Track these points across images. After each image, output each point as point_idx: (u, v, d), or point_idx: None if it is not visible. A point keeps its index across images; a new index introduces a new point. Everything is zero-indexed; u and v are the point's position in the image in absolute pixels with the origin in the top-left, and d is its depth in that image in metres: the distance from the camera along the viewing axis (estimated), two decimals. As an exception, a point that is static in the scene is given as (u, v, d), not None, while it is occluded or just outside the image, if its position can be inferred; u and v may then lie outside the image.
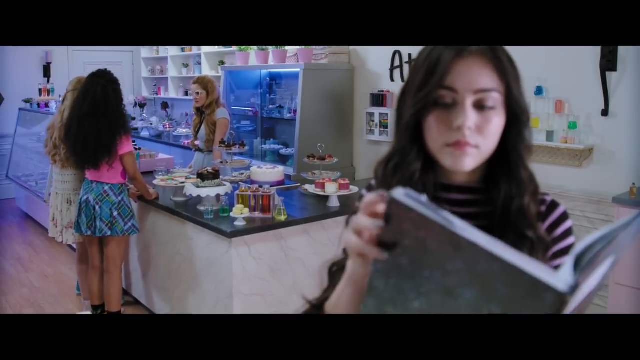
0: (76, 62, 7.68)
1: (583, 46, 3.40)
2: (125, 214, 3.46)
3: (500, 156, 0.88)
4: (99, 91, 3.34)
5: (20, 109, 6.92)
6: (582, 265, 0.59)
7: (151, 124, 7.36)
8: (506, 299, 0.60)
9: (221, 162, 3.86)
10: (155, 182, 3.66)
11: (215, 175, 3.37)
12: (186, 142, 6.16)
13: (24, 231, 6.12)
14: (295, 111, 5.00)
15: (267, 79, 5.71)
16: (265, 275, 3.06)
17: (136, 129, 7.20)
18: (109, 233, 3.42)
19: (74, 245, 3.89)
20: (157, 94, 8.31)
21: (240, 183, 3.59)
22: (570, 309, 0.58)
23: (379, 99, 4.85)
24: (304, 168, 4.12)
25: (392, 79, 4.82)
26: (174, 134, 6.81)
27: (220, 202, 3.23)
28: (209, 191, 3.27)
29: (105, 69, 3.48)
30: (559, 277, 0.57)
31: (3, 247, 5.53)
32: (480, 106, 0.83)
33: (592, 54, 3.41)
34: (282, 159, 5.34)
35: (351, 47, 5.17)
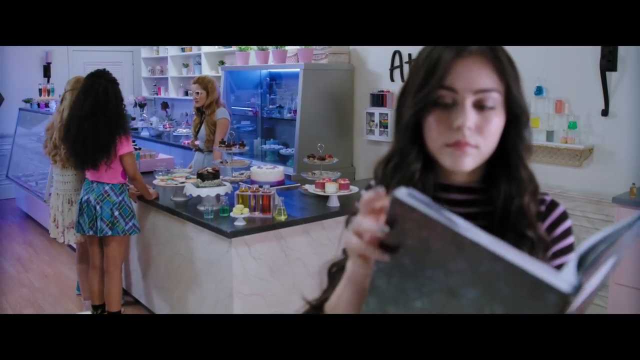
0: (76, 62, 7.68)
1: (583, 46, 3.40)
2: (126, 213, 3.46)
3: (500, 156, 0.88)
4: (101, 91, 3.34)
5: (20, 109, 6.92)
6: (586, 265, 0.59)
7: (151, 124, 7.36)
8: (509, 299, 0.59)
9: (221, 162, 3.86)
10: (155, 182, 3.66)
11: (215, 175, 3.37)
12: (186, 142, 6.16)
13: (24, 231, 6.12)
14: (295, 111, 5.00)
15: (267, 79, 5.71)
16: (265, 275, 3.06)
17: (136, 129, 7.20)
18: (109, 233, 3.42)
19: (74, 245, 3.89)
20: (157, 94, 8.31)
21: (240, 183, 3.60)
22: (572, 309, 0.58)
23: (379, 99, 4.85)
24: (304, 168, 4.12)
25: (392, 79, 4.82)
26: (174, 134, 6.81)
27: (220, 202, 3.23)
28: (209, 191, 3.27)
29: (104, 69, 3.48)
30: (562, 278, 0.57)
31: (3, 247, 5.53)
32: (480, 106, 0.83)
33: (592, 54, 3.41)
34: (282, 159, 5.34)
35: (351, 47, 5.17)
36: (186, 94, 7.54)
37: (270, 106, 5.60)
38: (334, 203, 3.35)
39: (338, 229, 0.98)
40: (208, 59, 7.13)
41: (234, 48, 6.15)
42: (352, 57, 5.17)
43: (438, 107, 0.84)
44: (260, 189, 3.19)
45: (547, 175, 3.57)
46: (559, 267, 0.89)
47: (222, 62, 6.76)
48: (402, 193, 0.63)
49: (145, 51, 8.33)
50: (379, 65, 4.92)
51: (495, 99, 0.84)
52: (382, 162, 0.92)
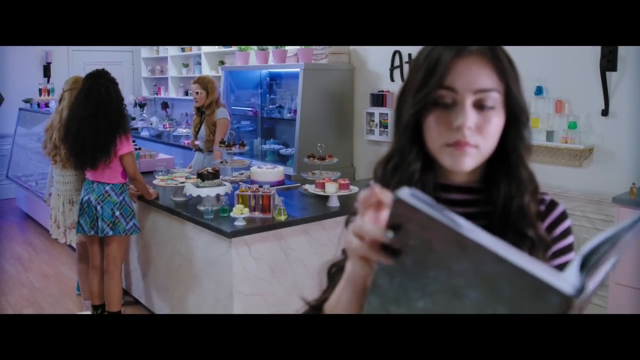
0: (76, 62, 7.68)
1: (583, 46, 3.40)
2: (127, 213, 3.46)
3: (500, 156, 0.88)
4: (103, 92, 3.34)
5: (20, 109, 6.92)
6: (588, 267, 0.59)
7: (151, 124, 7.36)
8: (511, 300, 0.59)
9: (221, 162, 3.86)
10: (155, 182, 3.66)
11: (215, 175, 3.37)
12: (186, 142, 6.16)
13: (24, 231, 6.12)
14: (295, 111, 5.00)
15: (267, 79, 5.71)
16: (265, 275, 3.06)
17: (136, 129, 7.20)
18: (110, 233, 3.42)
19: (74, 245, 3.89)
20: (157, 94, 8.31)
21: (240, 183, 3.60)
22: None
23: (379, 99, 4.85)
24: (304, 168, 4.12)
25: (392, 79, 4.82)
26: (174, 134, 6.81)
27: (220, 202, 3.23)
28: (209, 191, 3.27)
29: (103, 69, 3.48)
30: (565, 280, 0.57)
31: (3, 247, 5.53)
32: (480, 106, 0.83)
33: (592, 54, 3.41)
34: (282, 159, 5.34)
35: (351, 47, 5.17)
36: (186, 94, 7.55)
37: (270, 106, 5.60)
38: (334, 203, 3.35)
39: (338, 229, 0.98)
40: (208, 59, 7.13)
41: (234, 48, 6.15)
42: (352, 57, 5.17)
43: (438, 107, 0.84)
44: (260, 189, 3.19)
45: (547, 175, 3.57)
46: (558, 266, 0.89)
47: (222, 62, 6.76)
48: (405, 193, 0.63)
49: (145, 51, 8.33)
50: (379, 65, 4.92)
51: (495, 98, 0.84)
52: (381, 162, 0.92)
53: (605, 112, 3.42)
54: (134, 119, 7.26)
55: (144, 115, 7.70)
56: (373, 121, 4.90)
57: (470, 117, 0.82)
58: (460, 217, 0.61)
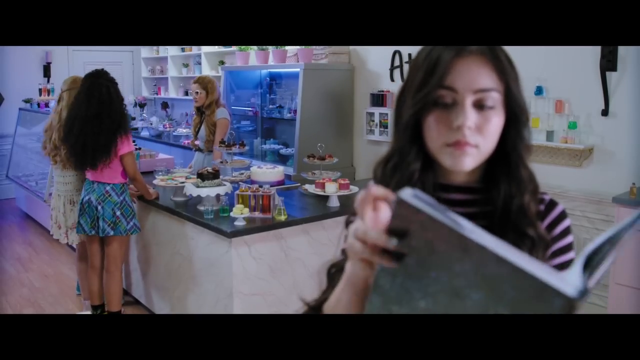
0: (76, 62, 7.68)
1: (583, 46, 3.40)
2: (128, 213, 3.47)
3: (500, 156, 0.88)
4: (104, 92, 3.34)
5: (20, 109, 6.92)
6: (591, 268, 0.59)
7: (151, 124, 7.36)
8: (514, 302, 0.59)
9: (221, 162, 3.86)
10: (155, 182, 3.66)
11: (215, 175, 3.37)
12: (186, 142, 6.16)
13: (24, 231, 6.12)
14: (295, 111, 5.00)
15: (267, 79, 5.71)
16: (265, 275, 3.06)
17: (136, 129, 7.21)
18: (112, 233, 3.42)
19: (74, 245, 3.89)
20: (157, 94, 8.31)
21: (240, 183, 3.60)
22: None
23: (379, 99, 4.85)
24: (304, 168, 4.12)
25: (392, 79, 4.82)
26: (174, 134, 6.82)
27: (220, 202, 3.23)
28: (209, 191, 3.27)
29: (103, 69, 3.48)
30: (569, 282, 0.57)
31: (3, 247, 5.53)
32: (479, 106, 0.83)
33: (592, 54, 3.41)
34: (282, 159, 5.34)
35: (351, 47, 5.17)
36: (186, 93, 7.55)
37: (270, 106, 5.60)
38: (334, 203, 3.35)
39: (338, 229, 0.98)
40: (208, 59, 7.14)
41: (234, 48, 6.15)
42: (352, 57, 5.17)
43: (438, 106, 0.84)
44: (260, 188, 3.19)
45: (547, 175, 3.57)
46: (558, 265, 0.90)
47: (222, 62, 6.76)
48: (407, 194, 0.62)
49: (145, 51, 8.33)
50: (379, 65, 4.92)
51: (495, 98, 0.84)
52: (381, 162, 0.92)
53: (605, 112, 3.42)
54: (134, 119, 7.26)
55: (144, 115, 7.70)
56: (373, 121, 4.90)
57: (470, 117, 0.82)
58: (462, 218, 0.61)
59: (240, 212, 2.98)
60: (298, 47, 5.00)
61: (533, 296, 0.58)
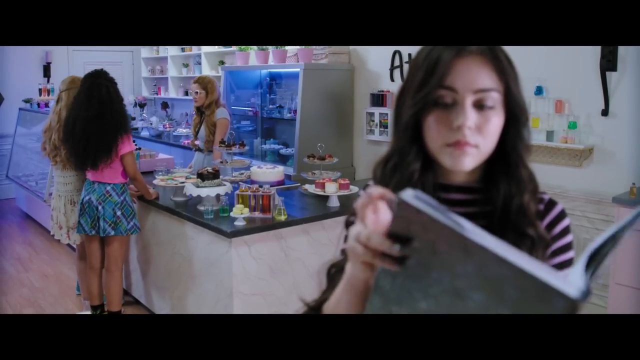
0: (76, 62, 7.68)
1: (583, 46, 3.40)
2: (128, 213, 3.47)
3: (500, 155, 0.88)
4: (104, 92, 3.34)
5: (20, 109, 6.92)
6: (593, 268, 0.59)
7: (151, 124, 7.36)
8: (516, 303, 0.59)
9: (221, 162, 3.86)
10: (155, 182, 3.66)
11: (215, 175, 3.37)
12: (186, 142, 6.16)
13: (24, 231, 6.12)
14: (295, 111, 5.00)
15: (267, 79, 5.71)
16: (265, 275, 3.06)
17: (136, 129, 7.21)
18: (112, 233, 3.43)
19: (75, 245, 3.89)
20: (157, 94, 8.31)
21: (240, 183, 3.60)
22: None
23: (379, 99, 4.85)
24: (304, 168, 4.12)
25: (392, 79, 4.82)
26: (174, 134, 6.82)
27: (220, 202, 3.23)
28: (209, 191, 3.27)
29: (102, 69, 3.48)
30: (571, 283, 0.56)
31: (3, 247, 5.53)
32: (479, 106, 0.83)
33: (592, 54, 3.41)
34: (282, 159, 5.34)
35: (351, 47, 5.17)
36: (186, 93, 7.55)
37: (270, 106, 5.60)
38: (334, 203, 3.35)
39: (338, 228, 0.98)
40: (208, 59, 7.14)
41: (234, 48, 6.15)
42: (352, 57, 5.17)
43: (438, 106, 0.84)
44: (260, 188, 3.19)
45: (547, 175, 3.57)
46: (558, 264, 0.90)
47: (222, 62, 6.76)
48: (409, 195, 0.62)
49: (145, 51, 8.33)
50: (379, 65, 4.92)
51: (494, 98, 0.84)
52: (381, 162, 0.92)
53: (605, 112, 3.42)
54: (134, 119, 7.26)
55: (144, 115, 7.70)
56: (373, 121, 4.90)
57: (471, 117, 0.82)
58: (464, 219, 0.61)
59: (240, 212, 2.98)
60: (298, 47, 5.00)
61: (535, 297, 0.57)
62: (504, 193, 0.88)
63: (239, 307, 2.97)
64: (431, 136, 0.85)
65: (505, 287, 0.59)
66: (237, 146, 3.78)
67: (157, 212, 3.63)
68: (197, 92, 4.31)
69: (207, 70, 7.01)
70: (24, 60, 7.33)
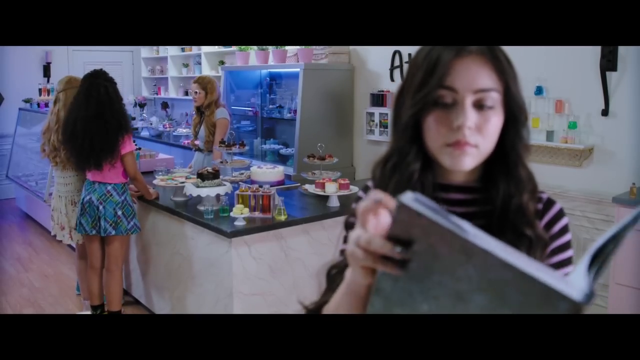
0: (76, 62, 7.68)
1: (583, 46, 3.40)
2: (129, 213, 3.47)
3: (499, 155, 0.88)
4: (103, 92, 3.34)
5: (20, 109, 6.92)
6: (595, 270, 0.59)
7: (151, 124, 7.36)
8: (518, 306, 0.59)
9: (221, 162, 3.86)
10: (155, 182, 3.66)
11: (215, 175, 3.37)
12: (186, 142, 6.16)
13: (24, 231, 6.12)
14: (295, 111, 5.00)
15: (267, 79, 5.71)
16: (265, 275, 3.06)
17: (136, 129, 7.21)
18: (113, 232, 3.43)
19: (74, 245, 3.89)
20: (157, 94, 8.31)
21: (240, 183, 3.60)
22: None
23: (379, 99, 4.86)
24: (304, 168, 4.12)
25: (392, 79, 4.82)
26: (174, 134, 6.82)
27: (220, 202, 3.23)
28: (209, 191, 3.27)
29: (101, 69, 3.48)
30: (574, 286, 0.56)
31: (3, 247, 5.53)
32: (479, 106, 0.83)
33: (592, 54, 3.41)
34: (282, 159, 5.34)
35: (351, 47, 5.17)
36: (186, 93, 7.55)
37: (270, 106, 5.60)
38: (334, 203, 3.35)
39: (338, 228, 0.98)
40: (208, 59, 7.14)
41: (234, 48, 6.15)
42: (352, 57, 5.17)
43: (438, 107, 0.84)
44: (260, 188, 3.19)
45: (547, 175, 3.57)
46: (557, 263, 0.90)
47: (222, 62, 6.76)
48: (409, 198, 0.61)
49: (145, 51, 8.33)
50: (379, 65, 4.92)
51: (494, 98, 0.84)
52: (380, 162, 0.92)
53: (605, 112, 3.42)
54: (134, 119, 7.27)
55: (144, 115, 7.70)
56: (373, 121, 4.90)
57: (471, 117, 0.82)
58: (465, 222, 0.60)
59: (240, 212, 2.98)
60: (298, 47, 5.00)
61: (538, 300, 0.57)
62: (503, 193, 0.88)
63: (239, 307, 2.97)
64: (431, 136, 0.85)
65: (508, 290, 0.59)
66: (237, 146, 3.78)
67: (157, 212, 3.63)
68: (196, 92, 4.31)
69: (207, 70, 7.01)
70: (24, 60, 7.33)
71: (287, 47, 5.16)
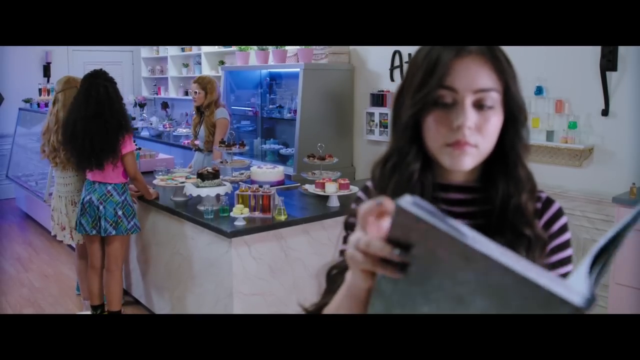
0: (76, 62, 7.68)
1: (583, 46, 3.40)
2: (129, 213, 3.47)
3: (498, 155, 0.88)
4: (102, 92, 3.34)
5: (20, 109, 6.92)
6: (596, 273, 0.59)
7: (151, 124, 7.36)
8: (519, 310, 0.58)
9: (221, 162, 3.86)
10: (155, 182, 3.66)
11: (215, 175, 3.37)
12: (186, 142, 6.16)
13: (24, 231, 6.12)
14: (295, 111, 5.00)
15: (267, 78, 5.71)
16: (265, 275, 3.06)
17: (136, 129, 7.21)
18: (113, 232, 3.43)
19: (74, 245, 3.89)
20: (157, 93, 8.31)
21: (240, 183, 3.60)
22: None
23: (379, 99, 4.86)
24: (304, 168, 4.12)
25: (392, 79, 4.82)
26: (174, 134, 6.82)
27: (220, 202, 3.23)
28: (209, 191, 3.27)
29: (101, 69, 3.48)
30: (575, 291, 0.56)
31: (3, 247, 5.53)
32: (479, 105, 0.83)
33: (592, 54, 3.41)
34: (282, 159, 5.34)
35: (351, 47, 5.17)
36: (186, 93, 7.55)
37: (270, 106, 5.60)
38: (334, 203, 3.35)
39: (338, 228, 0.98)
40: (208, 59, 7.13)
41: (234, 48, 6.15)
42: (352, 57, 5.17)
43: (437, 106, 0.84)
44: (260, 188, 3.19)
45: (547, 175, 3.57)
46: (557, 262, 0.91)
47: (222, 62, 6.76)
48: (407, 202, 0.61)
49: (145, 51, 8.33)
50: (379, 65, 4.92)
51: (494, 98, 0.84)
52: (379, 162, 0.92)
53: (605, 112, 3.42)
54: (134, 119, 7.26)
55: (144, 115, 7.70)
56: (373, 121, 4.90)
57: (470, 116, 0.82)
58: (464, 227, 0.60)
59: (240, 212, 2.98)
60: (298, 47, 5.00)
61: (539, 305, 0.57)
62: (502, 192, 0.88)
63: (239, 307, 2.97)
64: (431, 136, 0.85)
65: (509, 295, 0.58)
66: (237, 146, 3.78)
67: (157, 212, 3.63)
68: (196, 92, 4.31)
69: (207, 70, 7.01)
70: (24, 60, 7.33)
71: (287, 47, 5.16)
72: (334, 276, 0.90)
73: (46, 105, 6.84)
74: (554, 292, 0.56)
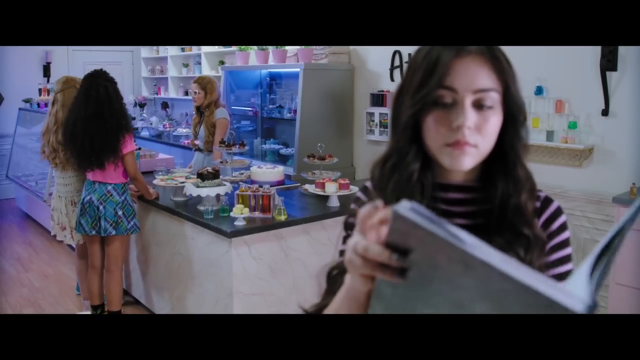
0: (76, 62, 7.69)
1: (583, 46, 3.40)
2: (129, 212, 3.47)
3: (498, 155, 0.88)
4: (102, 92, 3.34)
5: (20, 109, 6.92)
6: (596, 278, 0.58)
7: (151, 124, 7.36)
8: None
9: (221, 162, 3.86)
10: (155, 182, 3.66)
11: (215, 175, 3.37)
12: (186, 142, 6.17)
13: (24, 231, 6.12)
14: (295, 111, 5.00)
15: (267, 78, 5.71)
16: (265, 275, 3.06)
17: (136, 129, 7.21)
18: (113, 232, 3.43)
19: (74, 245, 3.89)
20: (157, 93, 8.31)
21: (240, 183, 3.60)
22: None
23: (379, 99, 4.86)
24: (304, 168, 4.12)
25: (392, 79, 4.82)
26: (174, 134, 6.82)
27: (220, 202, 3.23)
28: (209, 191, 3.27)
29: (101, 69, 3.48)
30: (576, 297, 0.56)
31: (3, 247, 5.53)
32: (479, 105, 0.84)
33: (592, 54, 3.41)
34: (282, 159, 5.35)
35: (351, 47, 5.17)
36: (186, 93, 7.55)
37: (270, 106, 5.60)
38: (334, 203, 3.35)
39: (338, 228, 0.98)
40: (208, 59, 7.13)
41: (234, 48, 6.15)
42: (352, 57, 5.17)
43: (437, 106, 0.84)
44: (260, 188, 3.19)
45: (547, 175, 3.57)
46: (556, 261, 0.91)
47: (222, 62, 6.76)
48: (405, 208, 0.61)
49: (145, 51, 8.33)
50: (379, 65, 4.92)
51: (494, 98, 0.84)
52: (379, 162, 0.92)
53: (605, 112, 3.42)
54: (134, 118, 7.25)
55: (144, 115, 7.70)
56: (373, 121, 4.90)
57: (470, 116, 0.82)
58: (463, 232, 0.59)
59: (240, 212, 2.98)
60: (298, 47, 5.00)
61: (539, 311, 0.56)
62: (501, 192, 0.88)
63: (239, 307, 2.97)
64: (430, 136, 0.85)
65: (509, 302, 0.58)
66: (237, 146, 3.78)
67: (157, 212, 3.63)
68: (196, 92, 4.31)
69: (207, 70, 7.01)
70: (24, 60, 7.33)
71: (287, 47, 5.16)
72: (334, 277, 0.90)
73: (46, 105, 6.83)
74: (555, 300, 0.55)
